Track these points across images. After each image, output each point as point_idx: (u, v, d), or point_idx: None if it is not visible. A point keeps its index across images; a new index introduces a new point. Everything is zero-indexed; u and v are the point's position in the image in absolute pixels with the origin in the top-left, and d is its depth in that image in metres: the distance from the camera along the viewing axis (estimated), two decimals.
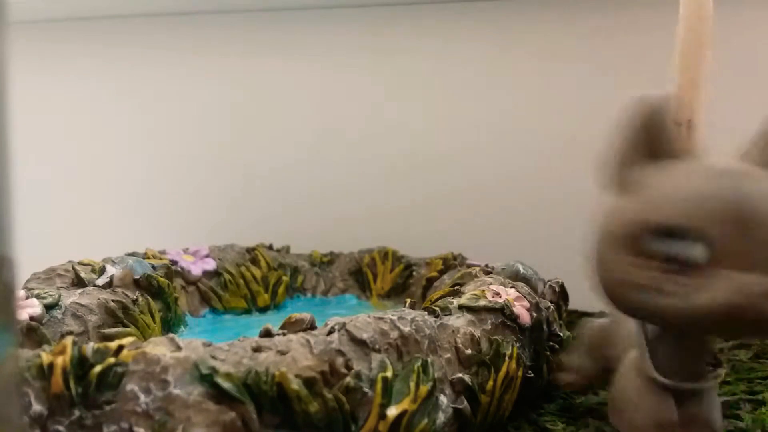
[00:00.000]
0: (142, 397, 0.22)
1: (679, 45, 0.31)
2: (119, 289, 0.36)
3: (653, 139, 0.24)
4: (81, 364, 0.23)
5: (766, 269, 0.21)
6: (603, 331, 0.31)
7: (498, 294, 0.32)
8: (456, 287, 0.35)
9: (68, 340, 0.24)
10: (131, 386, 0.23)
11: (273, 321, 0.29)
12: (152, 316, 0.37)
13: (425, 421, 0.26)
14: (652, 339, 0.25)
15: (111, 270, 0.37)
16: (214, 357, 0.23)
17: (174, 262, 0.43)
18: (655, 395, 0.25)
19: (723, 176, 0.22)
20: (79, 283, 0.36)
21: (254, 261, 0.48)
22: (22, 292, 0.32)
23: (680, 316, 0.22)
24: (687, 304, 0.21)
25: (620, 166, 0.25)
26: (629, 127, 0.24)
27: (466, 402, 0.28)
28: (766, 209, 0.21)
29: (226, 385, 0.23)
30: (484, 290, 0.32)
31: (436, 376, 0.27)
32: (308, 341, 0.25)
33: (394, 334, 0.27)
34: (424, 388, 0.26)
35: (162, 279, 0.39)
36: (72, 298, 0.33)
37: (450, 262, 0.46)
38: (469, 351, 0.29)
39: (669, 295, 0.22)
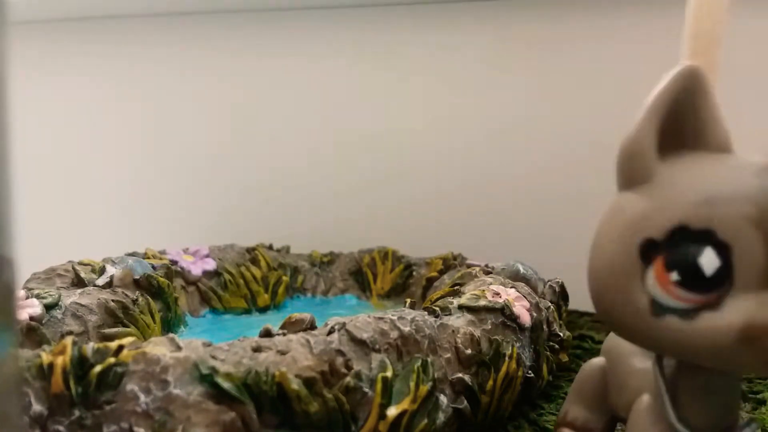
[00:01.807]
0: (142, 397, 0.22)
1: (688, 28, 0.27)
2: (119, 289, 0.36)
3: (683, 124, 0.20)
4: (81, 364, 0.23)
5: None
6: (604, 373, 0.25)
7: (498, 294, 0.32)
8: (456, 287, 0.35)
9: (68, 340, 0.24)
10: (131, 386, 0.23)
11: (273, 321, 0.29)
12: (152, 316, 0.37)
13: (425, 421, 0.26)
14: (671, 379, 0.20)
15: (111, 270, 0.37)
16: (214, 357, 0.23)
17: (174, 262, 0.43)
18: None
19: (755, 170, 0.17)
20: (79, 283, 0.36)
21: (254, 261, 0.48)
22: (22, 292, 0.32)
23: (682, 344, 0.18)
24: (692, 328, 0.17)
25: (644, 152, 0.19)
26: (653, 108, 0.19)
27: (466, 402, 0.28)
28: None
29: (226, 385, 0.23)
30: (484, 290, 0.32)
31: (436, 376, 0.27)
32: (308, 341, 0.25)
33: (394, 334, 0.27)
34: (424, 388, 0.26)
35: (162, 279, 0.39)
36: (72, 298, 0.33)
37: (450, 262, 0.46)
38: (469, 351, 0.28)
39: (682, 317, 0.17)
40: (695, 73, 0.19)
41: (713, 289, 0.17)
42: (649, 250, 0.18)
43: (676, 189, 0.18)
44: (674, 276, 0.17)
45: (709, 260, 0.17)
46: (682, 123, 0.19)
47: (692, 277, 0.17)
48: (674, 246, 0.18)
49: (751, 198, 0.17)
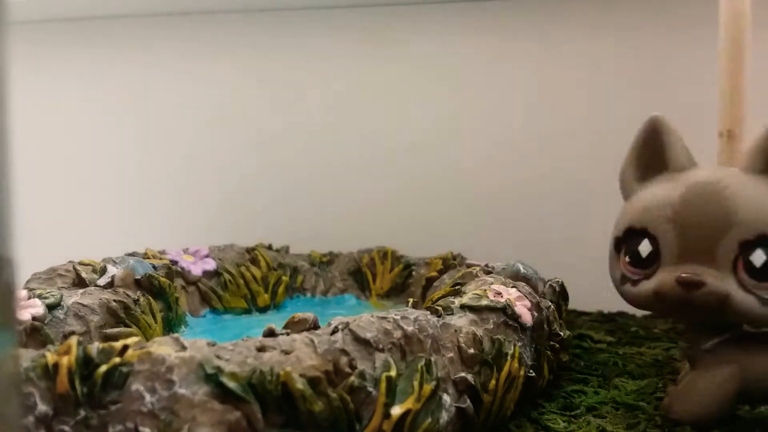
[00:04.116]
0: (148, 397, 0.22)
1: (720, 55, 0.36)
2: (120, 289, 0.36)
3: (653, 156, 0.29)
4: (86, 364, 0.23)
5: (697, 262, 0.26)
6: None
7: (499, 293, 0.32)
8: (457, 287, 0.35)
9: (73, 340, 0.24)
10: (136, 386, 0.23)
11: (273, 321, 0.29)
12: (154, 316, 0.37)
13: (429, 420, 0.26)
14: None
15: (112, 270, 0.37)
16: (218, 357, 0.23)
17: (174, 262, 0.43)
18: None
19: (681, 185, 0.28)
20: (80, 283, 0.36)
21: (254, 261, 0.48)
22: (24, 292, 0.32)
23: (633, 300, 0.29)
24: (637, 291, 0.28)
25: (628, 179, 0.30)
26: (634, 146, 0.30)
27: (469, 401, 0.28)
28: (702, 212, 0.26)
29: (231, 384, 0.23)
30: (485, 290, 0.32)
31: (439, 375, 0.27)
32: (312, 341, 0.25)
33: (398, 334, 0.27)
34: (428, 388, 0.26)
35: (163, 279, 0.39)
36: (74, 298, 0.33)
37: (450, 262, 0.46)
38: (471, 350, 0.29)
39: (632, 284, 0.29)
40: (659, 121, 0.29)
41: (649, 266, 0.28)
42: (618, 243, 0.30)
43: (632, 203, 0.30)
44: (627, 259, 0.29)
45: (644, 247, 0.28)
46: (655, 156, 0.30)
47: (636, 259, 0.29)
48: (627, 240, 0.29)
49: (670, 204, 0.27)
